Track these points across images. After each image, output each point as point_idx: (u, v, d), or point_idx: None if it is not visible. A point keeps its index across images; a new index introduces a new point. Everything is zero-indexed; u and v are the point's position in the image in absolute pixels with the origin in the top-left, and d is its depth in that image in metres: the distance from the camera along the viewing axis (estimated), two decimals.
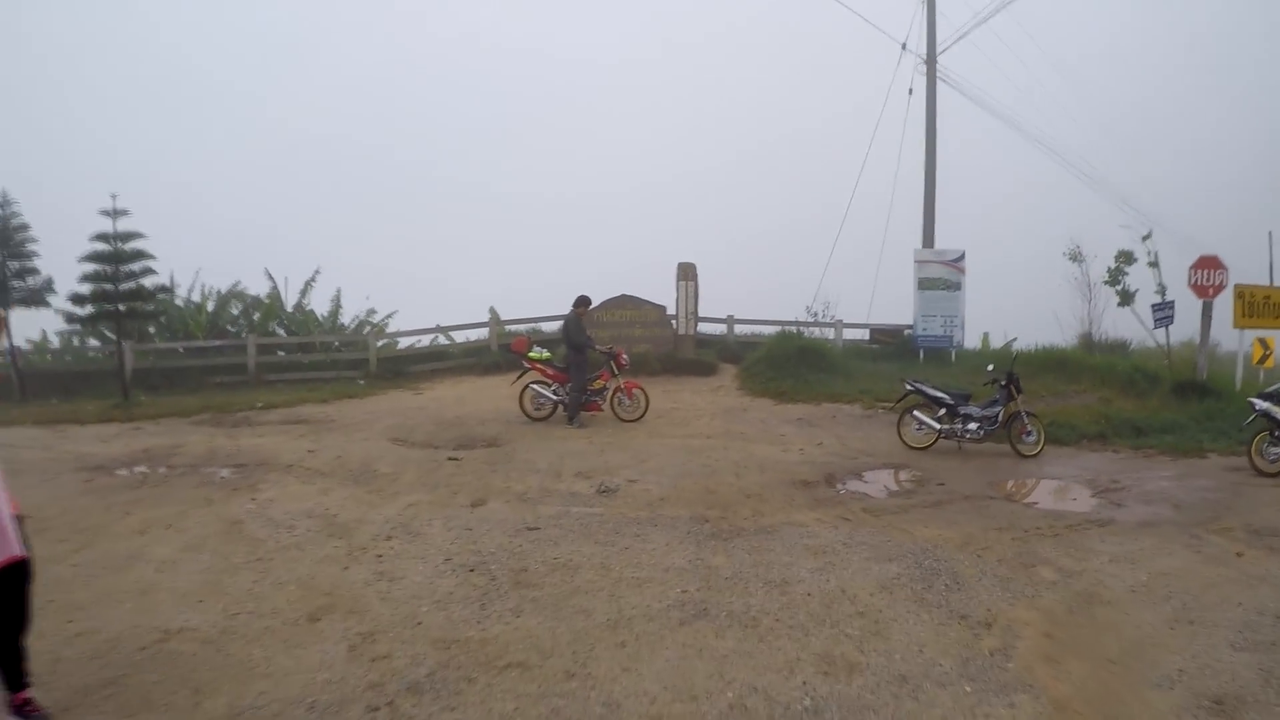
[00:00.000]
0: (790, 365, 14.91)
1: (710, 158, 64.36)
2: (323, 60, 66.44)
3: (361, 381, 16.49)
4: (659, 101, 68.99)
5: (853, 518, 6.97)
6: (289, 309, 20.05)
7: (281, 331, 19.78)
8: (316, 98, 63.50)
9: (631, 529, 6.32)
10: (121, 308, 14.71)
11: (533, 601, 4.78)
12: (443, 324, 19.12)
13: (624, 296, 16.58)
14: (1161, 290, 18.25)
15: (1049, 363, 16.38)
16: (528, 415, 11.50)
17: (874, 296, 21.88)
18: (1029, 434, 10.16)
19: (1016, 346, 20.93)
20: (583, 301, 11.86)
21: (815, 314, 20.31)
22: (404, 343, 19.58)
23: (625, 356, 11.70)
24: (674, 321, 16.62)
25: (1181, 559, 6.05)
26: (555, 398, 11.42)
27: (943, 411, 10.31)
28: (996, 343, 20.94)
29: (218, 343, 17.83)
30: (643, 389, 11.71)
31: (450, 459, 8.85)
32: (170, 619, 4.59)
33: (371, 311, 20.79)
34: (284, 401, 13.72)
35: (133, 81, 59.91)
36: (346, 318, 20.56)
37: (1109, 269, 19.89)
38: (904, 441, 10.29)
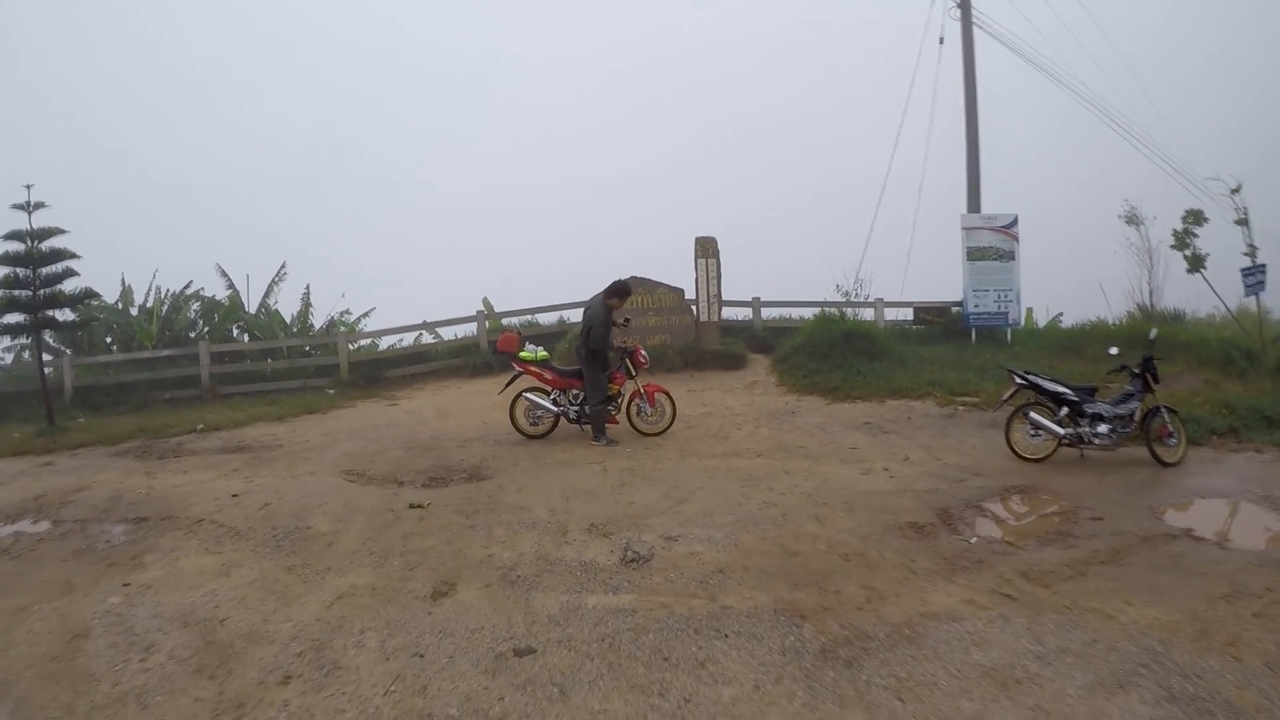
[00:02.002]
0: (835, 354, 12.43)
1: (721, 129, 61.54)
2: (298, 54, 63.74)
3: (330, 391, 14.06)
4: (668, 74, 66.20)
5: (1016, 593, 4.57)
6: (251, 310, 17.52)
7: (245, 336, 17.31)
8: (297, 94, 60.86)
9: (687, 646, 3.86)
10: (42, 315, 12.30)
11: None
12: (429, 320, 16.69)
13: (635, 278, 13.97)
14: (1252, 252, 16.24)
15: (1136, 339, 13.85)
16: (521, 432, 9.03)
17: (908, 270, 19.54)
18: (1171, 436, 7.78)
19: (1064, 321, 18.63)
20: (620, 291, 9.03)
21: (847, 293, 17.91)
22: (385, 343, 17.14)
23: (644, 353, 9.21)
24: (694, 307, 14.09)
25: None
26: (555, 409, 8.95)
27: (1064, 411, 7.88)
28: (1041, 319, 18.60)
29: (166, 352, 15.32)
30: (667, 393, 9.23)
31: (413, 506, 6.38)
32: None
33: (346, 312, 18.37)
34: (231, 421, 11.29)
35: (84, 69, 57.01)
36: (319, 318, 18.10)
37: (1175, 231, 17.40)
38: (1014, 451, 7.87)
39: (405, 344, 16.86)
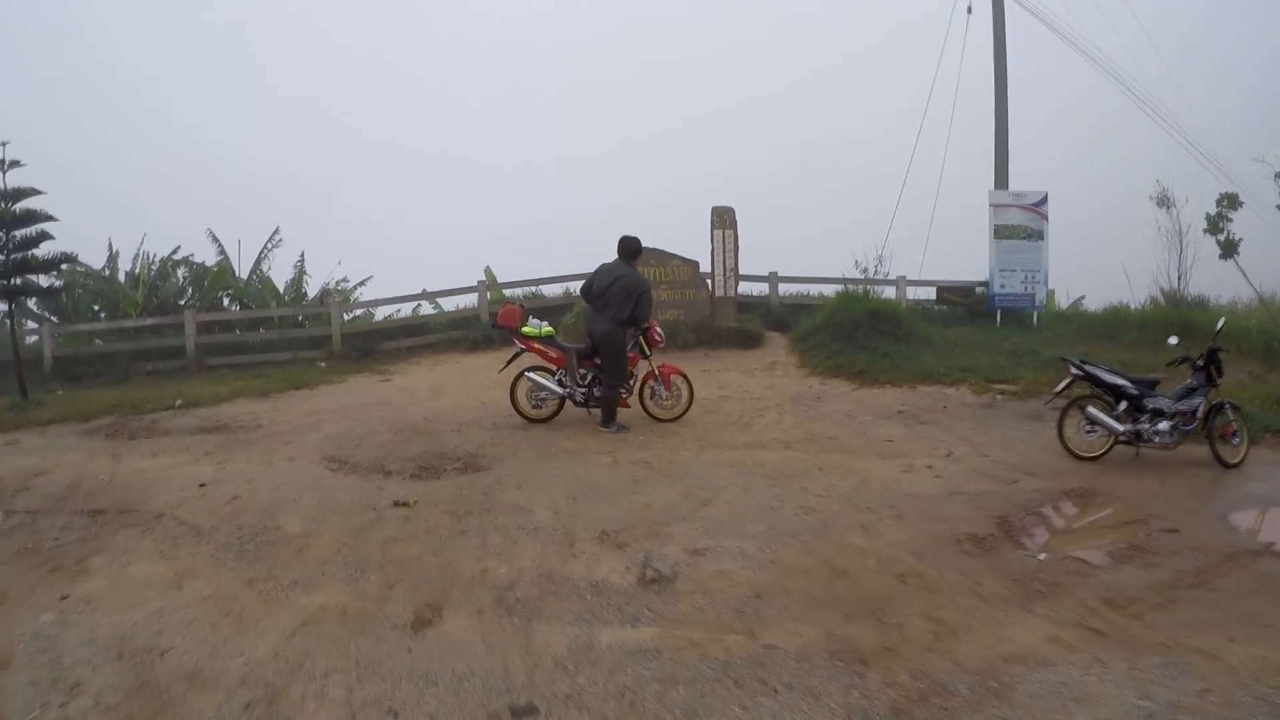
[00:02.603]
0: (859, 334, 11.64)
1: (737, 99, 59.85)
2: (296, 16, 62.12)
3: (322, 364, 13.29)
4: (684, 39, 64.19)
5: (1105, 626, 3.88)
6: (243, 277, 16.63)
7: (235, 305, 16.43)
8: (296, 57, 59.36)
9: (727, 706, 3.11)
10: (14, 281, 11.46)
11: None
12: (428, 289, 15.82)
13: (646, 249, 13.15)
14: None
15: (1171, 326, 12.99)
16: (522, 415, 8.23)
17: (927, 248, 18.72)
18: (1235, 435, 7.11)
19: (1086, 305, 17.85)
20: (636, 250, 8.33)
21: (865, 269, 17.11)
22: (381, 313, 16.33)
23: (659, 330, 8.39)
24: (709, 281, 13.25)
25: None
26: (561, 390, 8.14)
27: (1123, 405, 7.15)
28: (1062, 301, 17.79)
29: (150, 321, 14.48)
30: (684, 375, 8.43)
31: (398, 504, 5.61)
32: None
33: (343, 279, 17.39)
34: (212, 397, 10.51)
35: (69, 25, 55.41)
36: (314, 287, 17.19)
37: (1208, 215, 16.66)
38: (1067, 447, 7.13)
39: (402, 315, 16.07)
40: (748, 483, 6.01)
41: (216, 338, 14.32)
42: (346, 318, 15.18)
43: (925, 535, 5.03)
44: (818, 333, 11.97)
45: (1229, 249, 16.91)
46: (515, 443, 7.42)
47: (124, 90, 52.65)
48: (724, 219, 13.00)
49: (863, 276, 16.08)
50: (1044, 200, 15.40)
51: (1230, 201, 16.81)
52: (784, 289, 15.02)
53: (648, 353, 8.12)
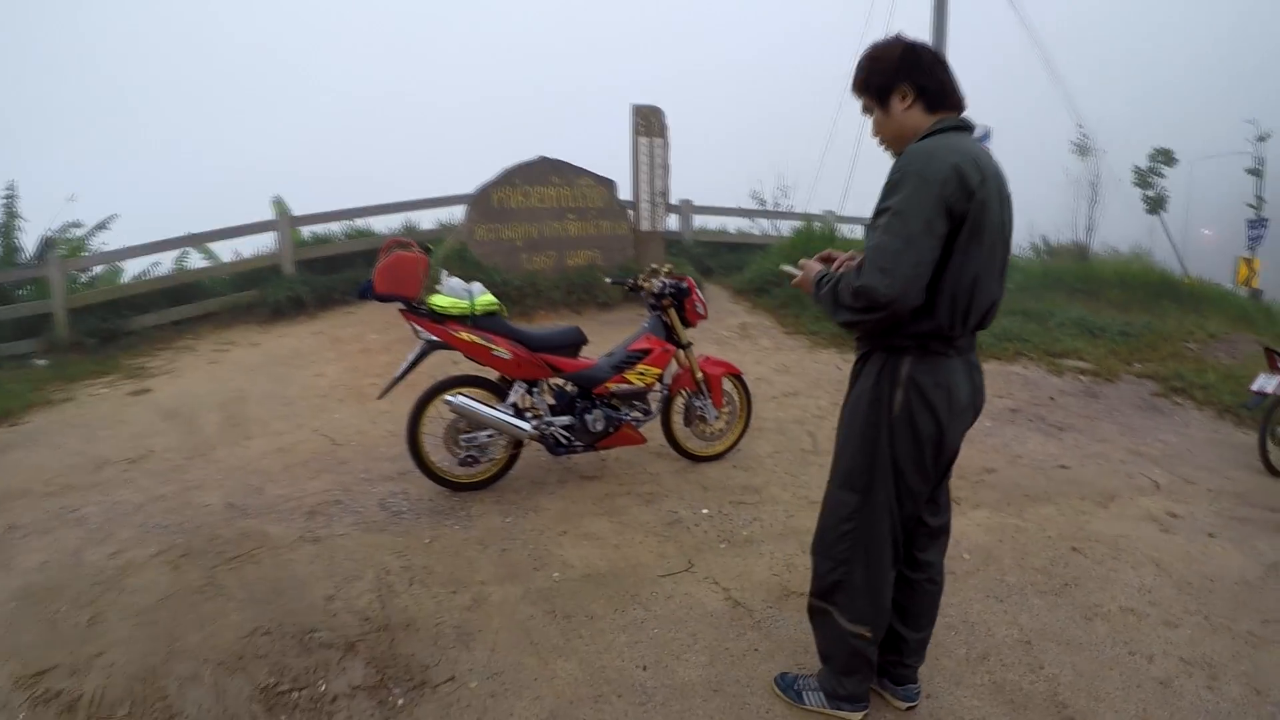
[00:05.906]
0: None
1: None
2: None
3: (41, 361, 8.20)
4: None
5: None
6: None
7: None
8: None
9: None
10: None
11: None
12: (196, 232, 10.60)
13: (545, 160, 9.00)
14: (1258, 204, 16.90)
15: (1153, 286, 11.25)
16: (434, 477, 4.23)
17: (817, 179, 17.30)
18: None
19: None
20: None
21: (763, 201, 15.18)
22: (130, 270, 10.90)
23: (701, 295, 4.65)
24: (630, 211, 9.54)
25: None
26: (521, 424, 4.16)
27: None
28: None
29: None
30: (739, 376, 4.84)
31: None
32: None
33: (74, 224, 11.43)
34: None
35: None
36: (32, 237, 11.17)
37: (1137, 168, 16.95)
38: (1269, 465, 5.21)
39: (161, 271, 10.90)
40: (1041, 620, 2.75)
41: None
42: (83, 278, 9.91)
43: None
44: (778, 283, 8.84)
45: (1156, 204, 17.01)
46: (461, 564, 3.48)
47: None
48: (650, 123, 9.23)
49: (774, 209, 14.28)
50: (987, 137, 13.23)
51: (1166, 157, 16.91)
52: (697, 221, 11.69)
53: (681, 338, 4.52)
